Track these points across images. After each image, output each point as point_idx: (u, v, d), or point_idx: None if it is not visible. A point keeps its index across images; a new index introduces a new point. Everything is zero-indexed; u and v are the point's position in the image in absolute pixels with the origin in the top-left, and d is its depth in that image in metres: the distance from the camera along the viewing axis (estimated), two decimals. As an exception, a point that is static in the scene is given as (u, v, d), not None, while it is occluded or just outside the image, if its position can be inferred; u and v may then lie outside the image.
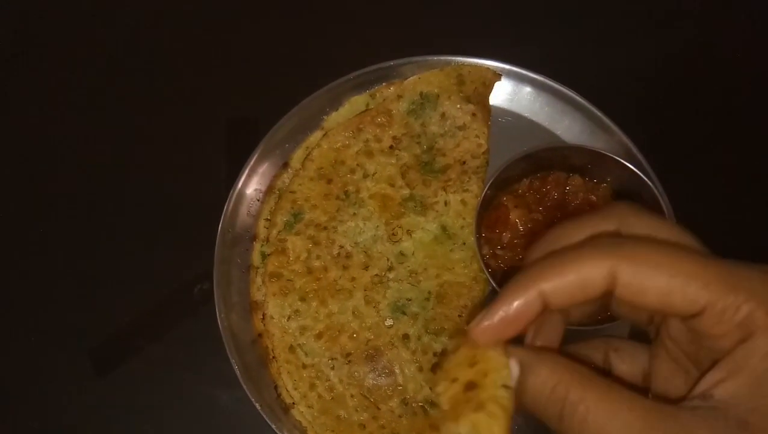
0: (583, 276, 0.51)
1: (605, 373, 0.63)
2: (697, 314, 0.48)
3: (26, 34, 1.34)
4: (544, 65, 1.13)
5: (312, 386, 1.01)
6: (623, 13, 1.28)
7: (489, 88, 1.14)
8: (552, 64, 1.14)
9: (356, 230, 1.08)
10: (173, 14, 1.33)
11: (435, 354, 1.02)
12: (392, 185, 1.10)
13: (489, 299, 1.05)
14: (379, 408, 1.00)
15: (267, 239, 1.09)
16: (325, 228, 1.08)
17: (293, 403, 1.01)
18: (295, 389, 1.01)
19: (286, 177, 1.12)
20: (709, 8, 1.27)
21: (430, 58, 1.14)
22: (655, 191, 0.96)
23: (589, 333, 0.81)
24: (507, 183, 1.05)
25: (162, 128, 1.23)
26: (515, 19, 1.28)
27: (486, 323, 0.53)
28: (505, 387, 0.52)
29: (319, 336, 1.03)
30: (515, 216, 1.02)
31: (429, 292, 1.05)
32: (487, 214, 1.04)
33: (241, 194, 1.10)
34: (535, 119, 1.15)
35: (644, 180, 0.97)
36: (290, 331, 1.04)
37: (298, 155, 1.13)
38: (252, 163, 1.10)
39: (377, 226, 1.08)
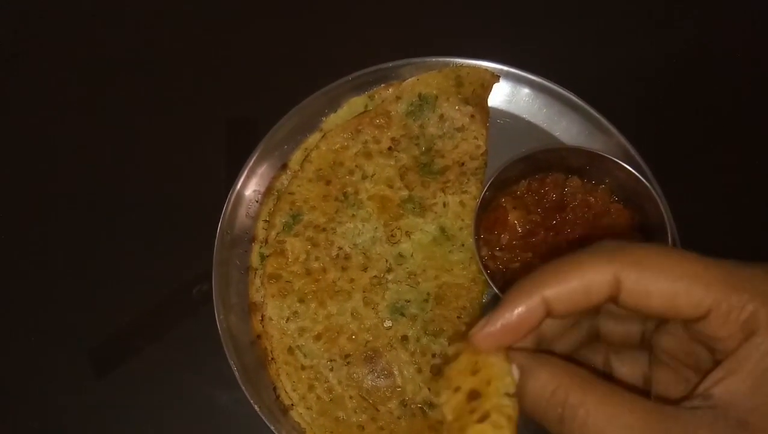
0: (587, 282, 0.50)
1: (606, 376, 0.63)
2: (702, 317, 0.48)
3: (26, 34, 1.34)
4: (542, 67, 1.13)
5: (311, 387, 1.02)
6: (621, 14, 1.28)
7: (487, 89, 1.14)
8: (550, 66, 1.14)
9: (355, 231, 1.08)
10: (173, 15, 1.33)
11: (434, 356, 1.02)
12: (391, 187, 1.10)
13: (488, 301, 1.05)
14: (377, 410, 1.00)
15: (266, 241, 1.10)
16: (324, 229, 1.08)
17: (292, 404, 1.02)
18: (294, 390, 1.02)
19: (284, 178, 1.12)
20: (708, 9, 1.27)
21: (428, 59, 1.14)
22: (654, 192, 0.96)
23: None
24: (505, 184, 1.05)
25: (161, 129, 1.23)
26: (513, 20, 1.28)
27: (488, 329, 0.53)
28: (509, 395, 0.52)
29: (317, 338, 1.03)
30: (514, 217, 1.02)
31: (428, 293, 1.05)
32: (486, 215, 1.04)
33: (240, 195, 1.10)
34: (533, 120, 1.15)
35: (642, 181, 0.97)
36: (289, 332, 1.04)
37: (296, 156, 1.13)
38: (251, 164, 1.10)
39: (376, 227, 1.08)
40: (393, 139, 1.12)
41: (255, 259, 1.10)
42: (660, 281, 0.49)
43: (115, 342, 1.11)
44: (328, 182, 1.11)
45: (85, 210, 1.19)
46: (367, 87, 1.15)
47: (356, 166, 1.11)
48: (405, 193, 1.09)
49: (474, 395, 0.53)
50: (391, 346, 1.03)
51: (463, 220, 1.08)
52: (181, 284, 1.13)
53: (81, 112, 1.26)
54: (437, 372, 1.01)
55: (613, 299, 0.51)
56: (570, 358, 0.62)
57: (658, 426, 0.47)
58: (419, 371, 1.01)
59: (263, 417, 0.98)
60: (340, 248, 1.08)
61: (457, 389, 0.54)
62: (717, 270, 0.49)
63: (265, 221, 1.11)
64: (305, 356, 1.03)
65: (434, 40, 1.23)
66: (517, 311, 0.52)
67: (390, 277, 1.06)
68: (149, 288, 1.13)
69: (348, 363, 1.02)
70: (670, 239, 0.95)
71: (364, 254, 1.07)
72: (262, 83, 1.25)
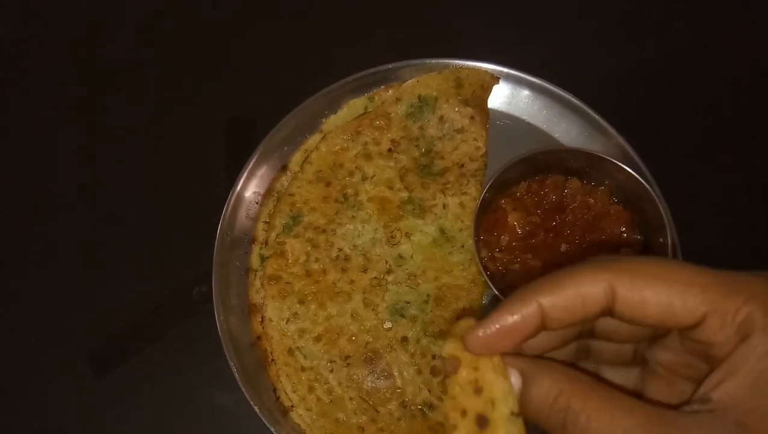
0: (583, 291, 0.50)
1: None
2: (698, 323, 0.48)
3: (26, 34, 1.34)
4: (542, 68, 1.13)
5: (311, 388, 1.02)
6: (621, 15, 1.28)
7: (487, 91, 1.14)
8: (550, 68, 1.14)
9: (355, 232, 1.08)
10: (173, 15, 1.33)
11: (434, 357, 1.02)
12: (391, 188, 1.10)
13: (488, 302, 1.06)
14: (377, 411, 1.00)
15: (266, 242, 1.10)
16: (324, 231, 1.09)
17: (292, 406, 1.02)
18: (294, 391, 1.02)
19: (284, 180, 1.13)
20: (708, 9, 1.27)
21: (428, 61, 1.14)
22: (653, 193, 0.96)
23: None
24: (505, 186, 1.05)
25: (161, 130, 1.23)
26: (513, 22, 1.28)
27: (481, 333, 0.52)
28: (513, 414, 0.52)
29: (317, 339, 1.04)
30: (513, 219, 1.03)
31: (428, 295, 1.05)
32: (486, 217, 1.04)
33: (240, 196, 1.10)
34: (533, 121, 1.15)
35: (642, 183, 0.97)
36: (289, 334, 1.04)
37: (296, 157, 1.13)
38: (251, 166, 1.11)
39: (376, 229, 1.08)
40: (393, 140, 1.13)
41: (255, 260, 1.10)
42: (655, 287, 0.49)
43: (115, 342, 1.12)
44: (328, 184, 1.11)
45: (85, 211, 1.19)
46: (367, 89, 1.15)
47: (356, 167, 1.12)
48: (405, 194, 1.10)
49: (482, 422, 0.53)
50: (391, 347, 1.03)
51: (462, 221, 1.08)
52: (181, 285, 1.13)
53: (81, 112, 1.26)
54: (437, 373, 1.01)
55: (609, 310, 0.51)
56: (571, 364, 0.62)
57: (659, 430, 0.47)
58: (419, 372, 1.02)
59: (263, 419, 0.98)
60: (340, 250, 1.08)
61: (463, 413, 0.54)
62: (711, 276, 0.49)
63: (265, 222, 1.11)
64: (305, 357, 1.03)
65: (434, 41, 1.23)
66: (513, 317, 0.52)
67: (390, 278, 1.06)
68: (149, 289, 1.13)
69: (348, 364, 1.02)
70: (669, 241, 0.95)
71: (364, 255, 1.07)
72: (262, 84, 1.25)
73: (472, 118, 1.12)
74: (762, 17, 1.27)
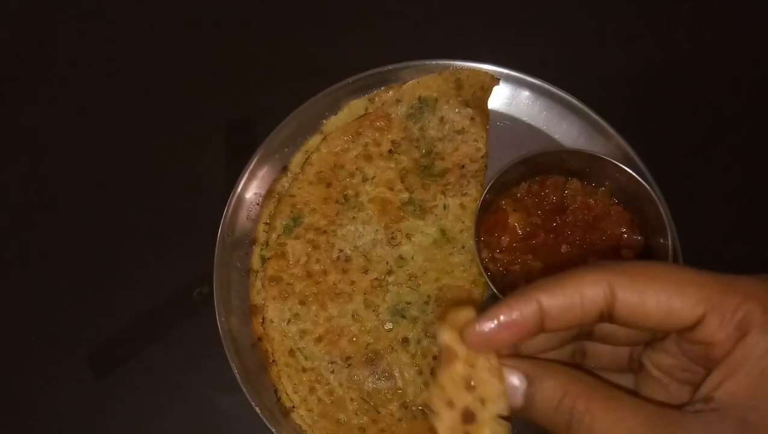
0: (583, 292, 0.51)
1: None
2: (698, 322, 0.48)
3: (26, 34, 1.34)
4: (542, 69, 1.13)
5: (312, 389, 1.02)
6: (621, 16, 1.28)
7: (487, 92, 1.14)
8: (550, 68, 1.15)
9: (355, 233, 1.08)
10: (174, 16, 1.33)
11: (435, 358, 1.02)
12: (391, 189, 1.10)
13: (488, 303, 1.06)
14: (378, 412, 1.00)
15: (266, 243, 1.10)
16: (325, 232, 1.09)
17: (293, 407, 1.02)
18: (295, 392, 1.02)
19: (285, 181, 1.13)
20: (708, 10, 1.28)
21: (428, 62, 1.14)
22: (653, 194, 0.97)
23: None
24: (506, 187, 1.05)
25: (162, 132, 1.23)
26: (513, 23, 1.28)
27: (479, 328, 0.53)
28: (502, 417, 0.53)
29: (318, 340, 1.04)
30: (514, 220, 1.03)
31: (428, 296, 1.05)
32: (486, 218, 1.04)
33: (241, 198, 1.10)
34: (533, 122, 1.15)
35: (642, 184, 0.97)
36: (290, 335, 1.04)
37: (297, 159, 1.14)
38: (251, 167, 1.11)
39: (376, 230, 1.08)
40: (393, 141, 1.13)
41: (256, 261, 1.10)
42: (655, 287, 0.49)
43: (115, 343, 1.11)
44: (328, 185, 1.11)
45: (86, 211, 1.19)
46: (367, 90, 1.15)
47: (357, 168, 1.12)
48: (405, 195, 1.10)
49: (468, 416, 0.54)
50: (392, 348, 1.03)
51: (463, 222, 1.08)
52: (182, 287, 1.13)
53: (81, 113, 1.26)
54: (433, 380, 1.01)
55: (608, 314, 0.51)
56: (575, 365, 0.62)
57: (662, 430, 0.47)
58: (420, 373, 1.02)
59: (264, 420, 0.98)
60: (340, 251, 1.08)
61: (450, 403, 0.54)
62: (708, 277, 0.49)
63: (266, 223, 1.11)
64: (306, 358, 1.03)
65: (434, 42, 1.23)
66: (512, 315, 0.52)
67: (390, 279, 1.06)
68: (149, 290, 1.13)
69: (349, 365, 1.02)
70: (670, 241, 0.95)
71: (365, 256, 1.07)
72: (262, 86, 1.25)
73: (472, 119, 1.12)
74: (762, 18, 1.27)
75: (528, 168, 1.04)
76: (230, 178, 1.12)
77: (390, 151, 1.12)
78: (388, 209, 1.09)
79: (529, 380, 0.53)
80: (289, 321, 1.05)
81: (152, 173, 1.21)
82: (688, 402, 0.50)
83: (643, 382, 0.59)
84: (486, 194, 1.01)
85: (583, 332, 0.61)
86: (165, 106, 1.25)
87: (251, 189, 1.11)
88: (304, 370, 1.03)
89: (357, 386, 1.02)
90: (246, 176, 1.10)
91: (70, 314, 1.13)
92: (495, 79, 1.14)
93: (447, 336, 0.55)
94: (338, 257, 1.07)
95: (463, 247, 1.08)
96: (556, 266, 0.98)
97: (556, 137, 1.14)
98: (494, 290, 0.99)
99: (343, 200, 1.10)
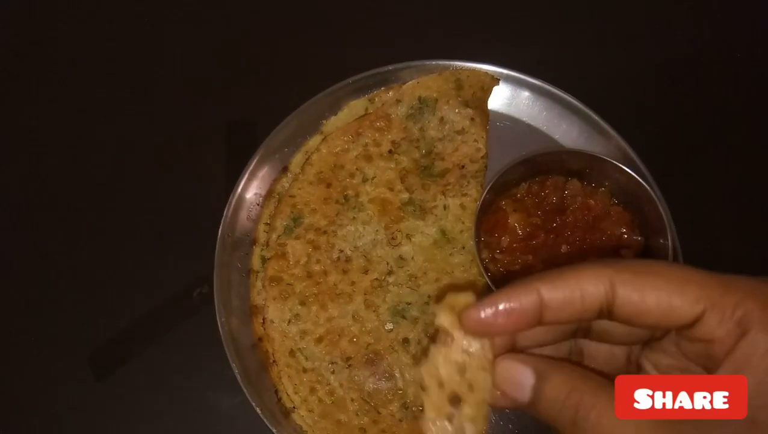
0: (583, 285, 0.51)
1: None
2: (697, 320, 0.49)
3: (26, 34, 1.34)
4: (542, 70, 1.13)
5: (312, 390, 1.02)
6: (621, 17, 1.28)
7: (487, 92, 1.14)
8: (550, 69, 1.15)
9: (356, 234, 1.09)
10: (174, 16, 1.32)
11: (432, 337, 1.02)
12: (391, 189, 1.10)
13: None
14: (379, 412, 1.00)
15: (267, 244, 1.10)
16: (325, 232, 1.09)
17: (294, 407, 1.02)
18: (296, 393, 1.02)
19: (285, 181, 1.12)
20: (708, 10, 1.28)
21: (428, 62, 1.14)
22: (653, 194, 0.97)
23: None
24: (506, 187, 1.05)
25: (162, 131, 1.23)
26: (513, 23, 1.28)
27: (478, 313, 0.53)
28: (486, 404, 0.55)
29: (319, 340, 1.04)
30: (514, 220, 1.03)
31: (429, 296, 1.05)
32: (486, 218, 1.04)
33: (241, 198, 1.10)
34: (533, 123, 1.15)
35: (642, 184, 0.97)
36: (290, 335, 1.04)
37: (297, 159, 1.14)
38: (252, 167, 1.11)
39: (377, 230, 1.08)
40: (393, 142, 1.13)
41: (256, 262, 1.10)
42: (655, 283, 0.50)
43: (115, 343, 1.12)
44: (328, 185, 1.11)
45: (86, 211, 1.19)
46: (367, 90, 1.15)
47: (357, 169, 1.12)
48: (405, 196, 1.10)
49: (455, 399, 0.55)
50: (393, 349, 1.03)
51: (463, 223, 1.08)
52: (182, 287, 1.13)
53: (81, 113, 1.26)
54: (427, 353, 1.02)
55: (608, 309, 0.51)
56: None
57: (670, 428, 0.47)
58: (421, 373, 1.01)
59: (265, 420, 0.98)
60: (341, 251, 1.08)
61: (440, 383, 0.56)
62: (708, 275, 0.50)
63: (266, 223, 1.11)
64: (307, 359, 1.03)
65: (434, 43, 1.23)
66: (512, 302, 0.52)
67: (391, 280, 1.06)
68: (149, 290, 1.13)
69: (349, 365, 1.02)
70: (670, 242, 0.95)
71: (365, 256, 1.07)
72: (262, 86, 1.25)
73: (472, 119, 1.12)
74: (762, 18, 1.27)
75: (528, 168, 1.04)
76: (230, 178, 1.12)
77: (390, 151, 1.12)
78: (388, 210, 1.09)
79: (538, 375, 0.54)
80: (289, 322, 1.05)
81: (152, 173, 1.21)
82: None
83: None
84: (486, 195, 1.01)
85: (581, 328, 0.61)
86: (165, 106, 1.25)
87: (251, 189, 1.11)
88: (305, 371, 1.03)
89: (357, 386, 1.02)
90: (246, 176, 1.10)
91: (70, 314, 1.13)
92: (495, 80, 1.14)
93: (445, 319, 0.56)
94: (338, 258, 1.07)
95: (464, 247, 1.08)
96: (556, 267, 0.98)
97: (556, 137, 1.14)
98: (495, 290, 0.98)
99: (344, 201, 1.10)
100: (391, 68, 1.14)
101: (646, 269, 0.51)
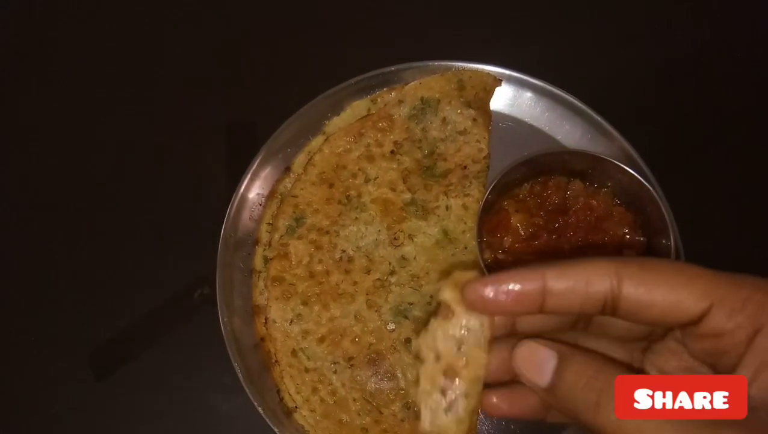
0: (589, 277, 0.51)
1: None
2: (703, 315, 0.48)
3: (26, 34, 1.33)
4: (544, 70, 1.13)
5: (314, 390, 1.02)
6: (622, 17, 1.28)
7: (490, 93, 1.14)
8: (552, 69, 1.15)
9: (358, 234, 1.09)
10: (175, 16, 1.32)
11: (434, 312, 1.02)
12: (394, 190, 1.10)
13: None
14: (381, 412, 1.00)
15: (269, 244, 1.09)
16: (327, 232, 1.09)
17: (296, 407, 1.02)
18: (298, 393, 1.02)
19: (288, 181, 1.12)
20: (709, 11, 1.28)
21: (430, 63, 1.14)
22: (656, 195, 0.96)
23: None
24: (508, 188, 1.05)
25: (162, 131, 1.23)
26: (515, 24, 1.28)
27: (481, 288, 0.53)
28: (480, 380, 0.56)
29: (321, 340, 1.04)
30: (516, 221, 1.03)
31: (431, 296, 1.05)
32: (489, 218, 1.04)
33: (244, 198, 1.10)
34: (535, 123, 1.15)
35: (645, 184, 0.97)
36: (293, 335, 1.04)
37: (299, 159, 1.13)
38: (254, 167, 1.10)
39: (379, 230, 1.08)
40: (396, 142, 1.13)
41: (258, 262, 1.10)
42: (661, 277, 0.50)
43: (115, 344, 1.11)
44: (331, 185, 1.11)
45: (86, 211, 1.19)
46: (369, 90, 1.15)
47: (359, 169, 1.12)
48: (408, 196, 1.10)
49: (450, 373, 0.56)
50: (395, 349, 1.03)
51: (465, 223, 1.08)
52: (182, 288, 1.13)
53: (81, 113, 1.26)
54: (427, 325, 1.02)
55: (613, 303, 0.51)
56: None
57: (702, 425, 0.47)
58: (422, 373, 1.01)
59: (267, 420, 0.98)
60: (343, 251, 1.08)
61: (438, 356, 0.57)
62: (715, 272, 0.49)
63: (269, 224, 1.11)
64: (309, 358, 1.03)
65: (436, 43, 1.23)
66: (516, 283, 0.52)
67: (393, 280, 1.06)
68: (149, 291, 1.13)
69: (351, 365, 1.02)
70: (672, 242, 0.95)
71: (367, 257, 1.07)
72: (262, 86, 1.25)
73: (474, 120, 1.12)
74: (762, 18, 1.28)
75: (530, 169, 1.04)
76: (230, 178, 1.12)
77: (392, 152, 1.12)
78: (390, 210, 1.09)
79: (561, 357, 0.53)
80: (291, 322, 1.05)
81: (152, 173, 1.21)
82: None
83: None
84: (488, 195, 1.01)
85: (582, 320, 0.61)
86: (165, 106, 1.25)
87: (254, 189, 1.11)
88: (307, 370, 1.03)
89: (360, 386, 1.02)
90: (249, 176, 1.10)
91: (70, 314, 1.12)
92: (497, 80, 1.14)
93: (449, 294, 0.57)
94: (341, 258, 1.07)
95: (466, 248, 1.08)
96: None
97: (559, 138, 1.14)
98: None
99: (346, 201, 1.10)
100: (393, 69, 1.14)
101: (652, 264, 0.51)
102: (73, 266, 1.16)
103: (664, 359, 0.56)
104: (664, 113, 1.20)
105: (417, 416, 0.99)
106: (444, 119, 1.13)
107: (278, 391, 1.03)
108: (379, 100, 1.15)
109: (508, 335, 0.61)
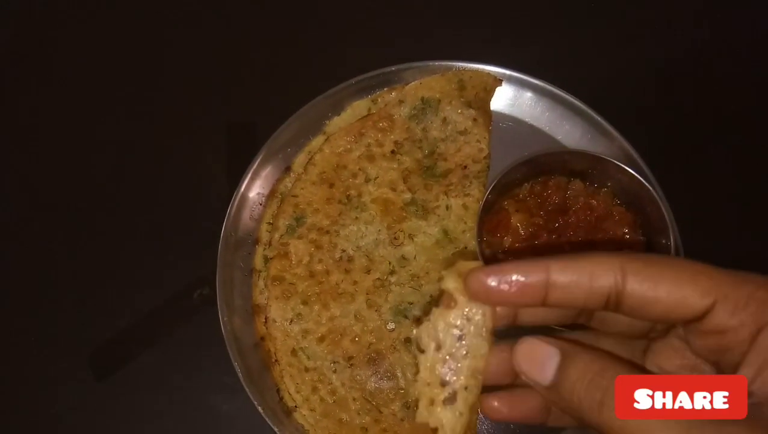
0: (593, 271, 0.50)
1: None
2: (707, 312, 0.48)
3: (26, 34, 1.33)
4: (544, 70, 1.13)
5: (314, 389, 1.02)
6: (623, 18, 1.28)
7: (490, 93, 1.14)
8: (553, 70, 1.15)
9: (358, 234, 1.09)
10: (176, 17, 1.32)
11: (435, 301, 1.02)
12: (394, 190, 1.10)
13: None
14: (381, 412, 1.00)
15: (269, 243, 1.09)
16: (327, 232, 1.09)
17: (295, 406, 1.02)
18: (298, 392, 1.02)
19: (288, 181, 1.12)
20: (709, 11, 1.28)
21: (431, 63, 1.14)
22: (655, 195, 0.97)
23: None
24: (508, 188, 1.05)
25: (162, 131, 1.23)
26: (516, 24, 1.28)
27: (483, 275, 0.53)
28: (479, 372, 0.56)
29: (321, 340, 1.04)
30: (516, 220, 1.03)
31: (431, 296, 1.05)
32: (489, 218, 1.04)
33: (244, 197, 1.10)
34: (535, 123, 1.15)
35: (645, 184, 0.97)
36: (293, 334, 1.04)
37: (300, 159, 1.14)
38: (255, 167, 1.10)
39: (379, 230, 1.08)
40: (396, 142, 1.13)
41: (258, 261, 1.10)
42: (666, 273, 0.49)
43: (115, 344, 1.11)
44: (331, 185, 1.11)
45: (86, 211, 1.19)
46: (370, 90, 1.15)
47: (359, 169, 1.12)
48: (408, 196, 1.10)
49: (451, 363, 0.56)
50: (395, 348, 1.03)
51: (465, 223, 1.08)
52: (182, 288, 1.13)
53: (81, 113, 1.26)
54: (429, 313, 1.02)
55: (616, 299, 0.51)
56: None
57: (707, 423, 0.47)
58: (422, 373, 1.01)
59: (267, 419, 0.98)
60: (343, 251, 1.08)
61: (438, 346, 0.57)
62: (718, 270, 0.49)
63: (269, 223, 1.11)
64: (309, 358, 1.03)
65: (437, 43, 1.23)
66: (519, 273, 0.52)
67: (393, 279, 1.06)
68: (149, 290, 1.13)
69: (351, 364, 1.02)
70: (672, 242, 0.95)
71: (368, 256, 1.07)
72: (262, 86, 1.25)
73: (475, 120, 1.12)
74: (762, 18, 1.28)
75: (530, 169, 1.04)
76: (230, 178, 1.12)
77: (393, 151, 1.12)
78: (390, 210, 1.09)
79: (564, 354, 0.53)
80: (291, 321, 1.05)
81: (152, 173, 1.21)
82: None
83: None
84: (488, 195, 1.01)
85: (583, 315, 0.61)
86: (165, 106, 1.25)
87: (254, 189, 1.11)
88: (307, 370, 1.03)
89: (359, 386, 1.02)
90: (249, 175, 1.10)
91: (70, 314, 1.12)
92: (498, 81, 1.14)
93: (451, 283, 0.57)
94: (341, 258, 1.07)
95: (466, 247, 1.08)
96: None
97: (559, 138, 1.15)
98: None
99: (346, 201, 1.10)
100: (394, 69, 1.14)
101: (657, 261, 0.51)
102: (73, 266, 1.15)
103: (666, 357, 0.56)
104: (664, 113, 1.20)
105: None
106: (444, 119, 1.13)
107: (278, 390, 1.03)
108: (379, 100, 1.15)
109: (509, 326, 0.60)
